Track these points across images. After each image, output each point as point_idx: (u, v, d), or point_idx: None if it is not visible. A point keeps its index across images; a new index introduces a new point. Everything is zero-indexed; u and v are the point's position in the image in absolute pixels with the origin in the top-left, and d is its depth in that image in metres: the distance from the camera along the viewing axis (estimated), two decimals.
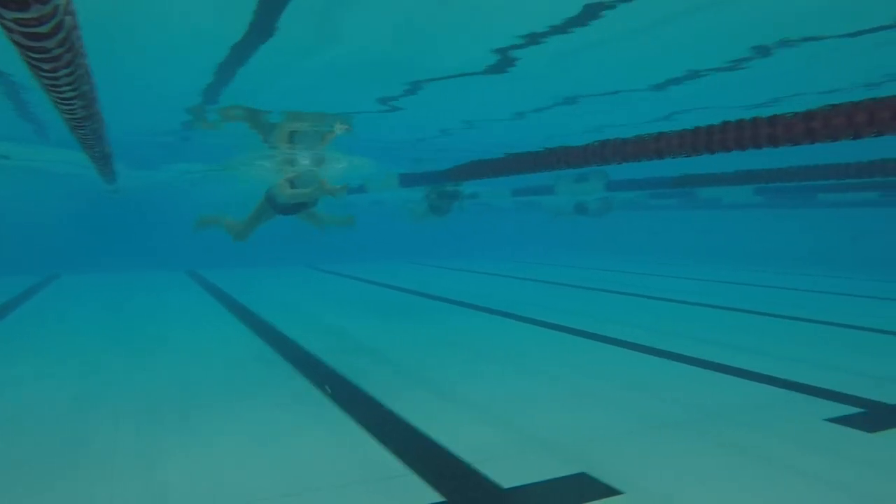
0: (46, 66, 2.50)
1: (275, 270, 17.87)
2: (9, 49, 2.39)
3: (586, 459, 3.72)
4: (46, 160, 12.78)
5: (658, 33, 5.00)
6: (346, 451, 3.92)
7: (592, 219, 17.20)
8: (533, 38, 4.93)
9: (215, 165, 12.82)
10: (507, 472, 3.52)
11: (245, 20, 4.48)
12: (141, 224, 20.12)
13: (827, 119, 3.46)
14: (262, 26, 4.55)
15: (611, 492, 3.28)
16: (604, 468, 3.58)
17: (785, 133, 3.70)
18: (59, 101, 3.35)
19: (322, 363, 6.28)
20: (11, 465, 3.71)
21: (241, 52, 5.16)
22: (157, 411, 4.70)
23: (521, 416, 4.59)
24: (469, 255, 22.10)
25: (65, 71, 2.67)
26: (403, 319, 9.23)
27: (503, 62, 5.63)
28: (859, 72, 6.49)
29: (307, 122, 8.22)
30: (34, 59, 2.36)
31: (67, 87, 2.98)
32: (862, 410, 4.58)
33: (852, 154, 7.86)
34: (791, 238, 19.03)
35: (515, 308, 9.85)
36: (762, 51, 5.56)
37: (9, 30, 2.04)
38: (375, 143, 10.09)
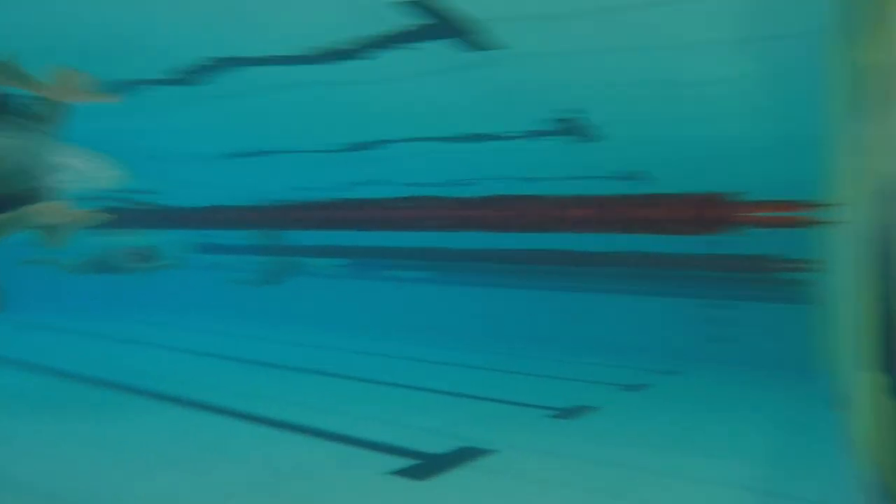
0: None
1: None
2: None
3: None
4: None
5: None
6: None
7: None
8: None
9: None
10: None
11: None
12: None
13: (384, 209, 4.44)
14: None
15: None
16: None
17: (358, 217, 4.47)
18: None
19: None
20: None
21: None
22: None
23: (82, 490, 4.02)
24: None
25: None
26: None
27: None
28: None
29: None
30: None
31: None
32: (418, 462, 5.33)
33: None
34: (365, 306, 21.23)
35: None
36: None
37: None
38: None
